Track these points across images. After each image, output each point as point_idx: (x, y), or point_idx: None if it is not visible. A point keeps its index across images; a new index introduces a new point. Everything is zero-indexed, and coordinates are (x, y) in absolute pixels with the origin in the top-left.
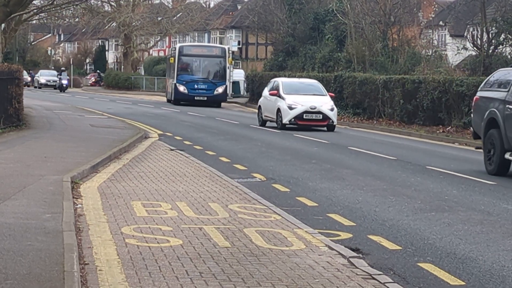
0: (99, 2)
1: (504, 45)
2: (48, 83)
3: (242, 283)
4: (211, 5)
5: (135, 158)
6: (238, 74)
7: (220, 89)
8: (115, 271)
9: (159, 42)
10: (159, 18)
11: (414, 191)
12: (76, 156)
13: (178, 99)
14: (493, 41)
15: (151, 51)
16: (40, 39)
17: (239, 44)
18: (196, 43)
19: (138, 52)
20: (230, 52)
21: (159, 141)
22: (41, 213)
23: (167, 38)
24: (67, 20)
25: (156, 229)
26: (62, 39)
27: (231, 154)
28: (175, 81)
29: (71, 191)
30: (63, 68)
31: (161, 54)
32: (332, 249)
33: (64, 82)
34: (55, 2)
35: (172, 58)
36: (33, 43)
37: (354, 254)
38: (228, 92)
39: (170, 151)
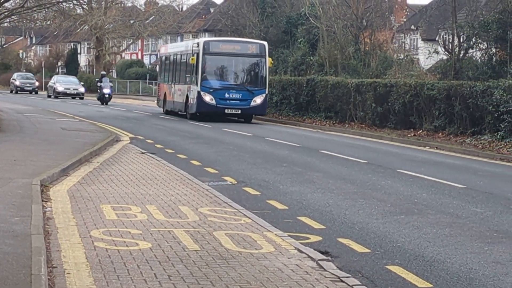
0: (71, 4)
1: (474, 49)
2: (68, 92)
3: (211, 286)
4: (184, 9)
5: (105, 162)
6: None
7: (258, 99)
8: (83, 274)
9: (131, 45)
10: (131, 21)
11: (384, 194)
12: (46, 159)
13: (202, 112)
14: (463, 45)
15: (123, 54)
16: (11, 42)
17: None
18: (226, 38)
19: (110, 55)
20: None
21: (130, 144)
22: (10, 216)
23: (140, 41)
24: (38, 23)
25: (125, 232)
26: (33, 42)
27: (202, 158)
28: (198, 88)
29: (40, 195)
30: (103, 72)
31: (134, 57)
32: (302, 252)
33: (107, 91)
34: (26, 5)
35: (194, 58)
36: (4, 46)
37: (323, 257)
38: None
39: (141, 154)
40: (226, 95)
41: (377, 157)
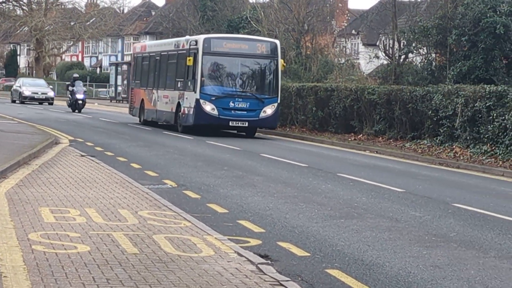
0: (11, 6)
1: (414, 54)
2: (36, 96)
3: None
4: (125, 11)
5: (44, 164)
6: None
7: (269, 110)
8: (20, 278)
9: (71, 47)
10: (72, 23)
11: (324, 198)
12: None
13: (200, 125)
14: (404, 50)
15: (63, 56)
16: None
17: None
18: (231, 35)
19: (50, 57)
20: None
21: (70, 147)
22: None
23: (80, 43)
24: None
25: (63, 235)
26: None
27: (143, 161)
28: (197, 96)
29: None
30: (76, 75)
31: (74, 59)
32: (241, 255)
33: (80, 96)
34: None
35: (190, 58)
36: None
37: (263, 260)
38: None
39: (81, 157)
40: (231, 104)
41: (317, 161)
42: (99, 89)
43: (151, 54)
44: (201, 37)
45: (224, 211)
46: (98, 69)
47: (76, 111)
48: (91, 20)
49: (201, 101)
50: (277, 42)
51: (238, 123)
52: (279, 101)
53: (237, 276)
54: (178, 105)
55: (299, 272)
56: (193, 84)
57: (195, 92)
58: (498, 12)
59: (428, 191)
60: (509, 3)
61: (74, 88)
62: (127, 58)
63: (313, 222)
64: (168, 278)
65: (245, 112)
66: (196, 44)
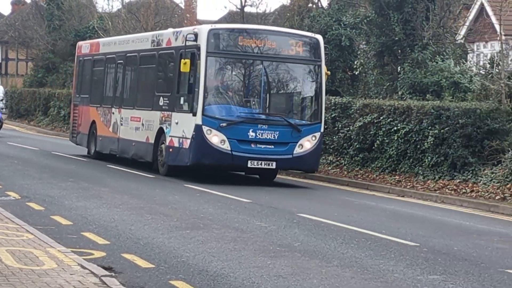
0: None
1: None
2: None
3: None
4: None
5: None
6: None
7: (307, 143)
8: None
9: None
10: None
11: (171, 209)
12: None
13: (200, 165)
14: None
15: None
16: None
17: None
18: (249, 26)
19: None
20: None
21: None
22: None
23: None
24: None
25: None
26: None
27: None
28: (197, 121)
29: None
30: None
31: None
32: (85, 268)
33: None
34: None
35: (186, 62)
36: None
37: (107, 272)
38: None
39: None
40: (251, 135)
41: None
42: None
43: (108, 56)
44: (204, 28)
45: (68, 223)
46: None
47: None
48: None
49: (205, 128)
50: (319, 38)
51: (261, 164)
52: (322, 130)
53: None
54: (160, 133)
55: (142, 284)
56: (190, 102)
57: (194, 115)
58: (342, 25)
59: (274, 202)
60: (352, 15)
61: None
62: None
63: (158, 233)
64: None
65: (272, 147)
66: (195, 39)
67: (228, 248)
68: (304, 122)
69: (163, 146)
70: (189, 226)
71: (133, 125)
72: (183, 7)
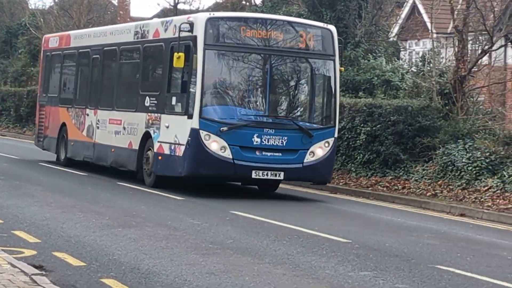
0: None
1: None
2: None
3: None
4: None
5: None
6: None
7: (319, 150)
8: None
9: None
10: None
11: (103, 207)
12: None
13: (197, 176)
14: None
15: None
16: None
17: None
18: (252, 14)
19: None
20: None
21: None
22: None
23: None
24: None
25: None
26: None
27: None
28: (194, 124)
29: None
30: None
31: None
32: (15, 266)
33: None
34: None
35: (180, 56)
36: None
37: (37, 271)
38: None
39: None
40: (256, 140)
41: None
42: None
43: (81, 50)
44: (201, 17)
45: None
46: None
47: None
48: None
49: (202, 133)
50: (333, 29)
51: (267, 175)
52: (336, 135)
53: (9, 287)
54: (146, 137)
55: (73, 282)
56: (184, 103)
57: (190, 117)
58: None
59: (207, 199)
60: (286, 12)
61: None
62: None
63: (90, 231)
64: None
65: (280, 155)
66: (191, 30)
67: (160, 246)
68: (315, 126)
69: (150, 153)
70: (121, 224)
71: (112, 129)
72: (116, 4)
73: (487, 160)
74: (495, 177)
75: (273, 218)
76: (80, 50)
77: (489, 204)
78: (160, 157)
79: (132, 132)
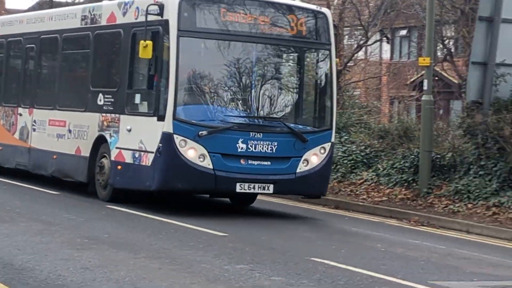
0: None
1: None
2: None
3: None
4: None
5: None
6: None
7: (314, 157)
8: None
9: None
10: None
11: None
12: None
13: (170, 190)
14: None
15: None
16: None
17: None
18: None
19: None
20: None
21: None
22: None
23: None
24: None
25: None
26: None
27: None
28: (167, 128)
29: None
30: None
31: None
32: None
33: None
34: None
35: (147, 44)
36: None
37: None
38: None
39: None
40: (240, 146)
41: None
42: None
43: (10, 39)
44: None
45: None
46: None
47: None
48: None
49: (177, 138)
50: (327, 13)
51: (254, 188)
52: (333, 139)
53: None
54: (99, 142)
55: None
56: (152, 101)
57: (161, 119)
58: None
59: (83, 194)
60: None
61: None
62: None
63: None
64: None
65: (269, 164)
66: (160, 13)
67: (35, 241)
68: (310, 129)
69: (105, 161)
70: None
71: (53, 131)
72: None
73: (362, 154)
74: (370, 170)
75: (150, 212)
76: (10, 39)
77: (364, 196)
78: (119, 167)
79: (81, 135)
